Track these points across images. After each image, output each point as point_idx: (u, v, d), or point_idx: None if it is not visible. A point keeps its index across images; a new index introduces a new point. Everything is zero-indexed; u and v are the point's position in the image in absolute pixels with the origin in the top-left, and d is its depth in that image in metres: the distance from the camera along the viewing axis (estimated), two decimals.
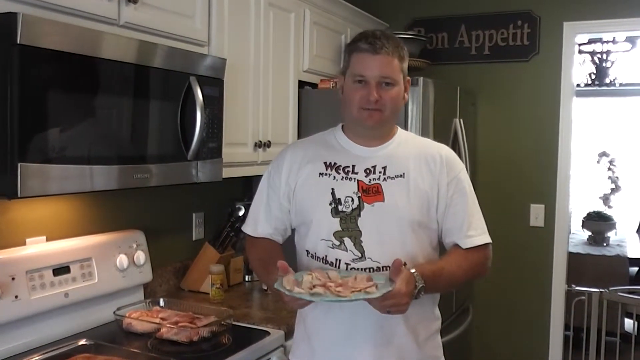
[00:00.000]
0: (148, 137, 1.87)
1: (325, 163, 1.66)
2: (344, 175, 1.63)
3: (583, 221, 5.19)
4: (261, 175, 1.81)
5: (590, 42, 5.57)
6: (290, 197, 1.69)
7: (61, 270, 1.94)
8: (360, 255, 1.58)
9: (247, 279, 2.75)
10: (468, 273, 1.64)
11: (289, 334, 2.06)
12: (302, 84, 2.85)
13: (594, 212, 5.20)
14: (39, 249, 1.94)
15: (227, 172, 2.23)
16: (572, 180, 3.63)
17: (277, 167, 1.73)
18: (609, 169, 5.72)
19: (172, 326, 1.92)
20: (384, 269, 1.56)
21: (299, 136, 2.78)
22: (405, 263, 1.55)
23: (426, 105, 2.74)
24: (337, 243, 1.60)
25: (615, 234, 5.24)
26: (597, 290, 3.75)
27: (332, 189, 1.62)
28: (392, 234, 1.59)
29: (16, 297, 1.79)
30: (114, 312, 2.03)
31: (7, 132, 1.45)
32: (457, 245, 1.65)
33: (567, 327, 3.76)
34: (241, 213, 2.65)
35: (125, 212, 2.32)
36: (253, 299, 2.52)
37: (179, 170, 1.97)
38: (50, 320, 1.92)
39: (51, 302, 1.90)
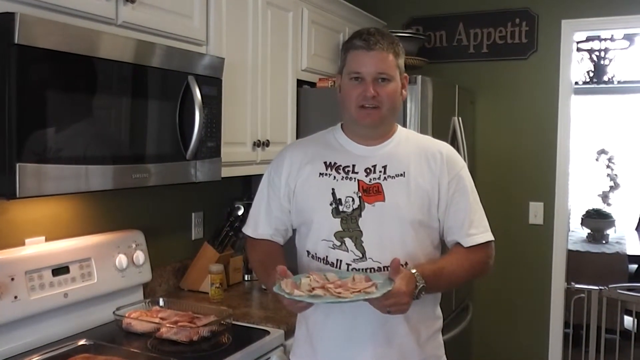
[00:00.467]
0: (146, 136, 1.86)
1: (325, 163, 1.66)
2: (344, 175, 1.63)
3: (582, 219, 5.19)
4: (260, 175, 1.80)
5: (588, 39, 5.57)
6: (291, 198, 1.69)
7: (60, 270, 1.94)
8: (361, 255, 1.58)
9: (246, 278, 2.74)
10: (469, 272, 1.64)
11: (288, 333, 2.06)
12: (300, 83, 2.85)
13: (593, 209, 5.20)
14: (38, 249, 1.94)
15: (226, 172, 2.23)
16: (571, 178, 3.63)
17: (277, 168, 1.72)
18: (608, 166, 5.72)
19: (171, 326, 1.91)
20: (385, 269, 1.56)
21: (298, 135, 2.78)
22: (406, 263, 1.56)
23: (425, 104, 2.73)
24: (338, 243, 1.59)
25: (615, 232, 5.24)
26: (596, 287, 3.75)
27: (333, 189, 1.61)
28: (393, 233, 1.59)
29: (15, 297, 1.78)
30: (114, 312, 2.03)
31: (5, 132, 1.45)
32: (458, 244, 1.65)
33: (566, 324, 3.76)
34: (240, 212, 2.65)
35: (124, 212, 2.32)
36: (252, 298, 2.52)
37: (178, 170, 1.97)
38: (50, 320, 1.92)
39: (50, 302, 1.89)
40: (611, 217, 5.13)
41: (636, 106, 6.54)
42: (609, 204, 5.61)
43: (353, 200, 1.59)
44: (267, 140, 2.55)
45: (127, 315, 2.02)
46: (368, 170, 1.62)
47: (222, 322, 1.98)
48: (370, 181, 1.61)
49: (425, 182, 1.62)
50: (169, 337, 1.89)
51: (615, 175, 5.69)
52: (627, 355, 3.74)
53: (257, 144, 2.50)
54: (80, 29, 1.62)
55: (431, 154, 1.65)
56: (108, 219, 2.25)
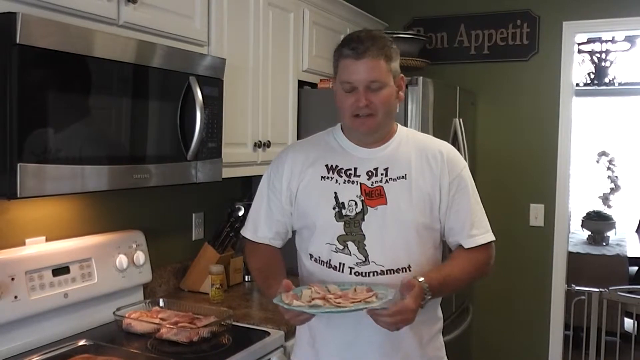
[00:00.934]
0: (147, 137, 1.86)
1: (326, 166, 1.65)
2: (346, 179, 1.62)
3: (583, 221, 5.19)
4: (261, 176, 1.79)
5: (589, 41, 5.57)
6: (292, 201, 1.68)
7: (61, 270, 1.94)
8: (364, 259, 1.57)
9: (246, 279, 2.74)
10: (472, 275, 1.64)
11: (289, 335, 2.05)
12: (301, 83, 2.85)
13: (593, 211, 5.20)
14: (38, 249, 1.93)
15: (226, 172, 2.23)
16: (572, 180, 3.63)
17: (278, 171, 1.71)
18: (609, 168, 5.72)
19: (171, 326, 1.91)
20: (388, 272, 1.56)
21: (299, 136, 2.77)
22: (409, 266, 1.56)
23: (426, 105, 2.73)
24: (341, 247, 1.59)
25: (615, 234, 5.24)
26: (596, 289, 3.75)
27: (335, 193, 1.60)
28: (396, 237, 1.58)
29: (15, 297, 1.78)
30: (114, 313, 2.03)
31: (7, 132, 1.45)
32: (460, 246, 1.65)
33: (567, 326, 3.76)
34: (241, 213, 2.64)
35: (125, 212, 2.32)
36: (253, 299, 2.52)
37: (179, 171, 1.97)
38: (50, 320, 1.92)
39: (51, 302, 1.89)
40: (612, 219, 5.13)
41: (637, 108, 6.54)
42: (609, 206, 5.61)
43: (356, 204, 1.59)
44: (268, 141, 2.54)
45: (127, 315, 2.02)
46: (370, 173, 1.62)
47: (222, 323, 1.97)
48: (372, 184, 1.60)
49: (427, 184, 1.61)
50: (169, 338, 1.89)
51: (616, 177, 5.69)
52: (628, 357, 3.74)
53: (258, 145, 2.49)
54: (81, 29, 1.62)
55: (432, 155, 1.65)
56: (108, 219, 2.25)
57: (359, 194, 1.59)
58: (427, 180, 1.61)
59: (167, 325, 1.92)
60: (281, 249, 1.77)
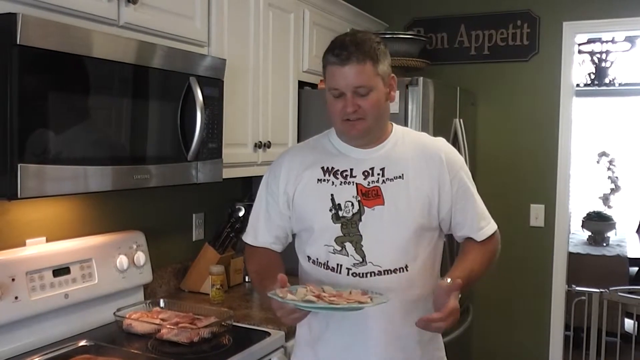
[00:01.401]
0: (148, 137, 1.86)
1: (322, 168, 1.64)
2: (343, 180, 1.61)
3: (583, 221, 5.19)
4: (261, 176, 1.79)
5: (589, 41, 5.57)
6: (290, 205, 1.67)
7: (61, 271, 1.94)
8: (361, 259, 1.57)
9: (247, 280, 2.74)
10: (487, 266, 1.66)
11: (289, 335, 2.05)
12: (301, 84, 2.85)
13: (593, 212, 5.20)
14: (39, 249, 1.94)
15: (227, 173, 2.23)
16: (572, 180, 3.63)
17: (275, 175, 1.70)
18: (609, 168, 5.72)
19: (172, 327, 1.91)
20: (386, 272, 1.56)
21: (299, 136, 2.78)
22: (406, 265, 1.56)
23: (426, 105, 2.73)
24: (339, 248, 1.59)
25: (615, 234, 5.24)
26: (597, 290, 3.75)
27: (332, 195, 1.60)
28: (393, 237, 1.58)
29: (16, 298, 1.78)
30: (114, 313, 2.03)
31: (7, 133, 1.45)
32: (470, 239, 1.66)
33: (567, 327, 3.75)
34: (241, 214, 2.64)
35: (125, 212, 2.32)
36: (253, 299, 2.52)
37: (179, 171, 1.97)
38: (51, 321, 1.92)
39: (51, 303, 1.89)
40: (612, 219, 5.13)
41: (637, 108, 6.54)
42: (609, 207, 5.61)
43: (352, 204, 1.58)
44: (268, 141, 2.54)
45: (127, 316, 2.02)
46: (366, 173, 1.61)
47: (222, 323, 1.98)
48: (368, 184, 1.60)
49: (424, 184, 1.61)
50: (170, 338, 1.89)
51: (616, 177, 5.70)
52: (628, 358, 3.74)
53: (258, 145, 2.49)
54: (82, 30, 1.62)
55: (429, 154, 1.64)
56: (109, 219, 2.25)
57: (355, 194, 1.59)
58: (425, 180, 1.61)
59: (168, 326, 1.92)
60: (281, 259, 1.75)
